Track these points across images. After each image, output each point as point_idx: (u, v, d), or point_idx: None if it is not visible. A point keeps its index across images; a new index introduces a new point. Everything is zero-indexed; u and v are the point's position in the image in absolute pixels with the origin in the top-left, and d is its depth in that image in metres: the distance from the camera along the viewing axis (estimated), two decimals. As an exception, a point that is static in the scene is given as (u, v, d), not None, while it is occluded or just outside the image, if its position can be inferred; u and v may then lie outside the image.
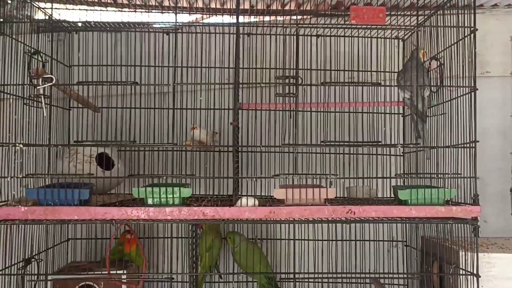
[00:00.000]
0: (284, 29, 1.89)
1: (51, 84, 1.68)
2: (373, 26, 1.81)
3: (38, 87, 1.67)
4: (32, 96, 1.75)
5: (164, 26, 1.89)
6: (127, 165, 2.30)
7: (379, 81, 2.12)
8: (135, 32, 2.21)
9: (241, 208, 1.72)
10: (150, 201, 1.74)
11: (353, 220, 1.73)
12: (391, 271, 2.38)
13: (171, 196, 1.73)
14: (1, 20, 1.97)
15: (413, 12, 2.03)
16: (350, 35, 2.24)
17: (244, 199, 1.74)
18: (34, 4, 2.11)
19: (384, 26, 1.78)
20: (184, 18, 2.29)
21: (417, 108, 1.92)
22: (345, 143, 1.79)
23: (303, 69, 2.18)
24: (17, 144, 1.72)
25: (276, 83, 1.73)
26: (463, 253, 1.86)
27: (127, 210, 1.71)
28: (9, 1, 2.13)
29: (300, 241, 2.42)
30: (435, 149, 1.96)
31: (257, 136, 2.01)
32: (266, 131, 2.00)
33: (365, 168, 2.14)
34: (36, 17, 2.24)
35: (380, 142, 1.82)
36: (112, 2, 2.20)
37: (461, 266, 1.86)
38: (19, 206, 1.69)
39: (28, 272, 1.95)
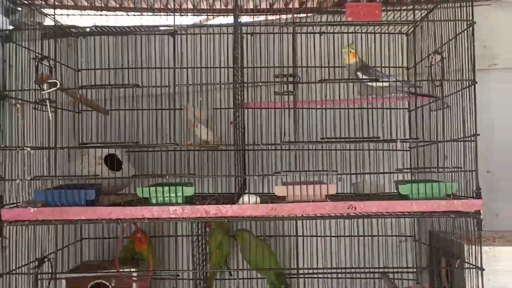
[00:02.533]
0: (282, 28, 1.91)
1: (55, 88, 1.73)
2: (375, 22, 1.80)
3: (43, 92, 1.72)
4: (38, 100, 1.80)
5: (167, 28, 1.92)
6: (135, 166, 2.36)
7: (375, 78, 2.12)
8: (141, 35, 2.26)
9: (243, 205, 1.75)
10: (154, 200, 1.78)
11: (354, 216, 1.74)
12: (401, 266, 2.39)
13: (174, 195, 1.77)
14: (12, 27, 2.05)
15: (415, 6, 2.03)
16: (353, 31, 2.25)
17: (246, 197, 1.77)
18: (42, 11, 2.17)
19: (381, 22, 1.77)
20: (187, 20, 2.33)
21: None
22: (344, 139, 1.80)
23: (306, 67, 2.20)
24: (24, 148, 1.78)
25: (274, 82, 1.75)
26: (468, 247, 1.86)
27: (132, 209, 1.75)
28: (19, 8, 2.21)
29: (307, 237, 2.44)
30: (439, 144, 1.97)
31: (259, 135, 2.03)
32: (268, 130, 2.02)
33: (370, 163, 2.15)
34: (44, 23, 2.30)
35: (379, 137, 1.83)
36: (119, 6, 2.25)
37: (466, 260, 1.86)
38: (29, 207, 1.74)
39: (41, 271, 2.01)
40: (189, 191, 1.77)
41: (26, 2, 2.07)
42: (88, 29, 2.24)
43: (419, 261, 2.41)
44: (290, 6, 2.31)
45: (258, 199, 1.77)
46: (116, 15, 2.14)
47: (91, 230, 2.50)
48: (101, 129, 2.28)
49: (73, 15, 2.31)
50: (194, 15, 2.06)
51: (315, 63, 2.18)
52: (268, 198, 1.93)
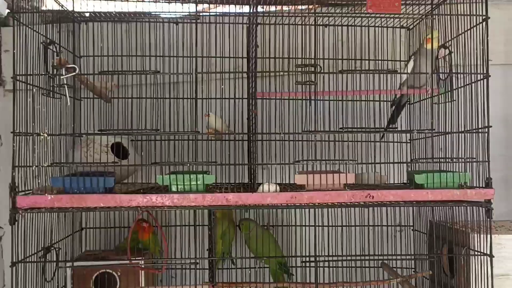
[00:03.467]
0: (302, 18, 1.93)
1: (74, 74, 1.70)
2: (387, 15, 1.84)
3: (62, 77, 1.68)
4: (55, 86, 1.76)
5: (181, 15, 1.90)
6: (141, 155, 2.33)
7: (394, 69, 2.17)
8: (149, 22, 2.23)
9: (263, 193, 1.76)
10: (174, 188, 1.77)
11: (371, 204, 1.78)
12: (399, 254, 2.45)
13: (194, 183, 1.77)
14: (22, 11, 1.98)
15: (425, 0, 2.08)
16: (360, 24, 2.28)
17: (266, 185, 1.78)
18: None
19: (399, 15, 1.81)
20: (201, 8, 2.31)
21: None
22: (364, 130, 1.84)
23: (321, 58, 2.21)
24: (41, 134, 1.74)
25: (296, 71, 1.77)
26: (476, 235, 1.93)
27: (152, 197, 1.74)
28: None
29: (309, 227, 2.47)
30: (446, 135, 2.03)
31: (272, 124, 2.05)
32: (283, 120, 2.04)
33: (376, 154, 2.19)
34: (44, 8, 2.25)
35: (396, 128, 1.87)
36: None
37: (473, 248, 1.93)
38: (46, 194, 1.71)
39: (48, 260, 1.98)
40: (210, 179, 1.77)
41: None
42: (93, 14, 2.19)
43: (415, 251, 2.47)
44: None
45: (278, 188, 1.79)
46: (127, 1, 2.10)
47: (91, 219, 2.46)
48: (102, 117, 2.25)
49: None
50: (213, 3, 2.04)
51: (328, 55, 2.19)
52: (284, 187, 1.95)
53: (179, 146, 2.11)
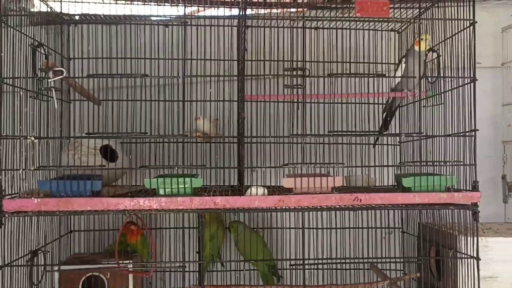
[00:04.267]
0: (291, 22, 1.93)
1: (62, 77, 1.69)
2: (375, 19, 1.85)
3: (49, 80, 1.67)
4: (42, 89, 1.75)
5: (170, 19, 1.89)
6: (129, 157, 2.32)
7: (382, 73, 2.17)
8: (138, 24, 2.22)
9: (251, 197, 1.76)
10: (162, 191, 1.77)
11: (359, 207, 1.79)
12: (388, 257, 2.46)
13: (182, 186, 1.76)
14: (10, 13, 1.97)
15: (413, 4, 2.08)
16: (348, 27, 2.29)
17: (254, 188, 1.78)
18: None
19: (387, 19, 1.81)
20: (191, 10, 2.31)
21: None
22: (352, 133, 1.84)
23: (310, 61, 2.22)
24: (28, 137, 1.73)
25: (284, 75, 1.77)
26: (462, 237, 1.94)
27: (140, 200, 1.74)
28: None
29: (298, 229, 2.47)
30: (433, 138, 2.04)
31: (263, 127, 2.05)
32: (273, 123, 2.04)
33: (367, 157, 2.20)
34: (33, 9, 2.23)
35: (383, 131, 1.87)
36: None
37: (460, 250, 1.94)
38: (32, 198, 1.70)
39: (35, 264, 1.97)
40: (197, 182, 1.77)
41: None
42: (82, 17, 2.18)
43: (404, 253, 2.48)
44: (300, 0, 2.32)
45: (266, 191, 1.79)
46: (116, 3, 2.09)
47: (81, 222, 2.45)
48: (93, 119, 2.23)
49: (63, 1, 2.25)
50: (202, 6, 2.04)
51: (318, 58, 2.20)
52: (272, 190, 1.95)
53: (168, 149, 2.10)
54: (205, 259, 2.31)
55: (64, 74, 1.69)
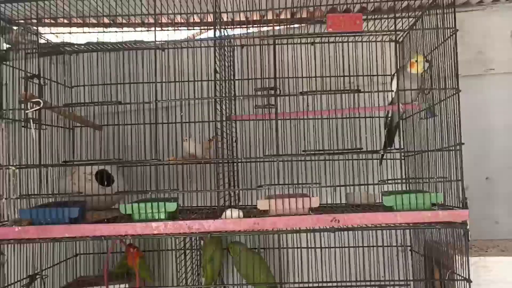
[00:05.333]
0: (262, 40, 1.91)
1: (38, 108, 1.75)
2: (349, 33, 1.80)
3: (26, 111, 1.74)
4: (24, 119, 1.83)
5: (155, 43, 1.91)
6: (127, 180, 2.37)
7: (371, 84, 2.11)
8: (131, 50, 2.27)
9: (225, 220, 1.74)
10: (137, 217, 1.78)
11: (338, 228, 1.73)
12: (397, 277, 2.35)
13: (157, 211, 1.77)
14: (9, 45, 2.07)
15: (401, 14, 2.01)
16: (341, 40, 2.23)
17: (228, 212, 1.76)
18: (31, 28, 2.19)
19: (361, 33, 1.76)
20: (177, 34, 2.34)
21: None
22: (327, 151, 1.79)
23: (293, 77, 2.19)
24: (9, 167, 1.80)
25: (254, 95, 1.75)
26: (458, 257, 1.83)
27: (115, 226, 1.76)
28: (15, 28, 2.24)
29: (297, 249, 2.42)
30: (424, 153, 1.94)
31: (247, 148, 2.03)
32: (253, 142, 2.02)
33: (359, 174, 2.13)
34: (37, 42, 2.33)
35: (361, 148, 1.81)
36: (112, 22, 2.27)
37: (457, 271, 1.83)
38: (14, 226, 1.76)
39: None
40: (171, 206, 1.77)
41: (22, 21, 2.08)
42: (82, 47, 2.26)
43: (413, 272, 2.37)
44: (282, 16, 2.31)
45: (241, 214, 1.77)
46: (105, 32, 2.16)
47: (88, 245, 2.51)
48: (91, 145, 2.30)
49: (63, 33, 2.34)
50: (185, 29, 2.07)
51: (302, 74, 2.17)
52: (253, 211, 1.92)
53: (157, 172, 2.12)
54: (206, 282, 2.30)
55: (41, 105, 1.74)
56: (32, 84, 2.01)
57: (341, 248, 2.36)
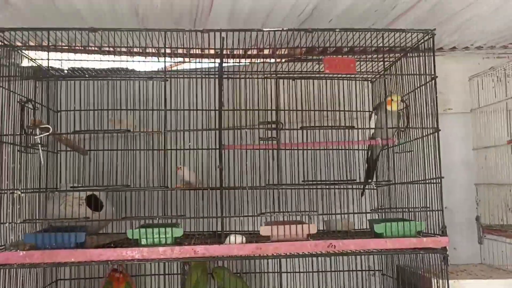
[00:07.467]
0: (264, 74, 2.04)
1: (48, 133, 1.78)
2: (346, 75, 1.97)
3: (35, 137, 1.77)
4: (30, 145, 1.84)
5: (155, 74, 2.00)
6: (115, 206, 2.40)
7: (353, 119, 2.29)
8: (132, 79, 2.33)
9: (230, 245, 1.83)
10: (144, 242, 1.84)
11: (334, 253, 1.86)
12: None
13: (163, 236, 1.83)
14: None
15: (381, 58, 2.21)
16: (330, 77, 2.41)
17: (232, 237, 1.85)
18: (24, 53, 2.21)
19: (354, 75, 1.94)
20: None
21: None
22: (323, 182, 1.94)
23: (285, 110, 2.33)
24: (15, 191, 1.81)
25: (259, 128, 1.88)
26: (435, 280, 2.01)
27: (122, 251, 1.80)
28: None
29: (281, 273, 2.53)
30: (405, 184, 2.13)
31: (242, 176, 2.14)
32: (251, 171, 2.13)
33: (343, 202, 2.29)
34: (22, 65, 2.34)
35: (355, 180, 1.97)
36: (112, 50, 2.32)
37: (433, 294, 2.01)
38: (18, 250, 1.76)
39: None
40: (178, 232, 1.84)
41: (7, 43, 2.09)
42: (73, 72, 2.29)
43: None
44: (278, 52, 2.45)
45: (244, 239, 1.87)
46: (96, 60, 2.22)
47: (67, 270, 2.50)
48: (79, 169, 2.31)
49: (52, 59, 2.36)
50: (184, 61, 2.16)
51: (297, 107, 2.31)
52: (253, 237, 2.03)
53: (149, 198, 2.17)
54: (190, 306, 2.35)
55: (50, 131, 1.78)
56: (27, 108, 2.04)
57: (319, 273, 2.49)
